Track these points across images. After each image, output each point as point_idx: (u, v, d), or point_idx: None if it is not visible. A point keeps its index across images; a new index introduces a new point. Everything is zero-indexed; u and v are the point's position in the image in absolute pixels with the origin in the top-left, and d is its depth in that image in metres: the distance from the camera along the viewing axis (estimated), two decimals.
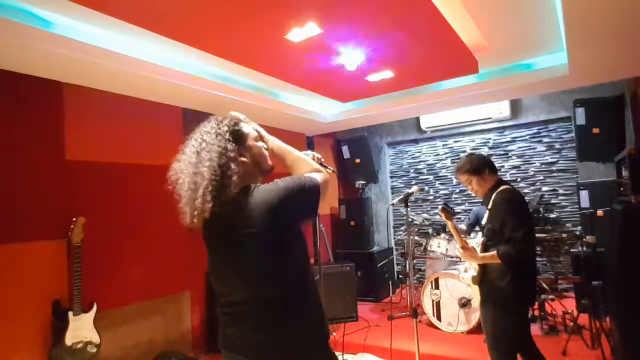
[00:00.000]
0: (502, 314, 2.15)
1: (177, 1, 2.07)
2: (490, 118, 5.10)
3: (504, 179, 2.39)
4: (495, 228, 2.18)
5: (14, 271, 2.55)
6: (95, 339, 2.75)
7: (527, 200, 2.36)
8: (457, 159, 5.53)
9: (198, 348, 3.69)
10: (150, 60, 2.81)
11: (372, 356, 3.54)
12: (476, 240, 2.39)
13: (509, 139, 5.16)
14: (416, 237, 4.99)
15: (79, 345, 2.66)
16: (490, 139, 5.30)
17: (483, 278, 2.26)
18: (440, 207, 2.36)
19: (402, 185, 6.04)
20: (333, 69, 3.05)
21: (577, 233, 3.69)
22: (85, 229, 2.78)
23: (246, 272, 1.20)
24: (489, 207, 2.26)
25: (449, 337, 3.69)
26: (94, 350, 2.73)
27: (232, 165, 1.18)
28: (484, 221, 2.33)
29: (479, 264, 2.28)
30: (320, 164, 1.44)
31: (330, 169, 1.54)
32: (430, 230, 5.13)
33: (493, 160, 2.43)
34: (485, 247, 2.25)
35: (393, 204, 3.43)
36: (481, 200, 2.39)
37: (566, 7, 2.21)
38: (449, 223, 2.35)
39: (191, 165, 1.20)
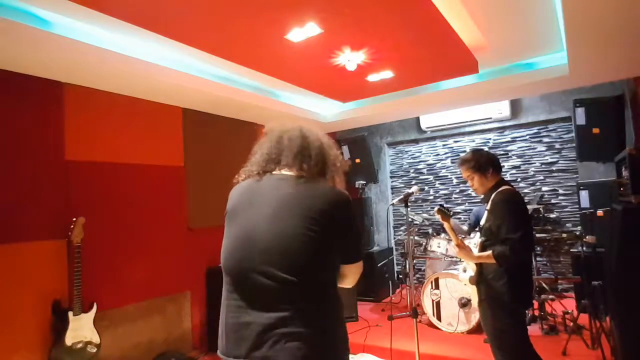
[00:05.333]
0: (500, 315, 2.15)
1: (177, 1, 2.08)
2: (490, 118, 5.10)
3: (505, 179, 2.38)
4: (493, 228, 2.17)
5: (14, 271, 2.56)
6: (95, 339, 2.75)
7: (527, 201, 2.35)
8: (458, 159, 5.53)
9: (198, 348, 3.69)
10: (150, 60, 2.81)
11: (372, 356, 3.54)
12: (475, 240, 2.39)
13: (509, 139, 5.16)
14: (416, 237, 4.99)
15: (79, 346, 2.66)
16: (490, 139, 5.29)
17: (480, 278, 2.25)
18: (436, 208, 2.36)
19: (402, 185, 6.04)
20: (333, 69, 3.05)
21: (577, 233, 3.68)
22: (85, 229, 2.78)
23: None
24: (488, 207, 2.25)
25: (449, 337, 3.69)
26: (94, 350, 2.73)
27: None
28: (482, 221, 2.32)
29: (476, 265, 2.28)
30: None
31: None
32: (430, 230, 5.15)
33: None
34: (483, 247, 2.24)
35: (393, 204, 3.43)
36: (480, 200, 2.38)
37: (566, 7, 2.21)
38: (445, 224, 2.35)
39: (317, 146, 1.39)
